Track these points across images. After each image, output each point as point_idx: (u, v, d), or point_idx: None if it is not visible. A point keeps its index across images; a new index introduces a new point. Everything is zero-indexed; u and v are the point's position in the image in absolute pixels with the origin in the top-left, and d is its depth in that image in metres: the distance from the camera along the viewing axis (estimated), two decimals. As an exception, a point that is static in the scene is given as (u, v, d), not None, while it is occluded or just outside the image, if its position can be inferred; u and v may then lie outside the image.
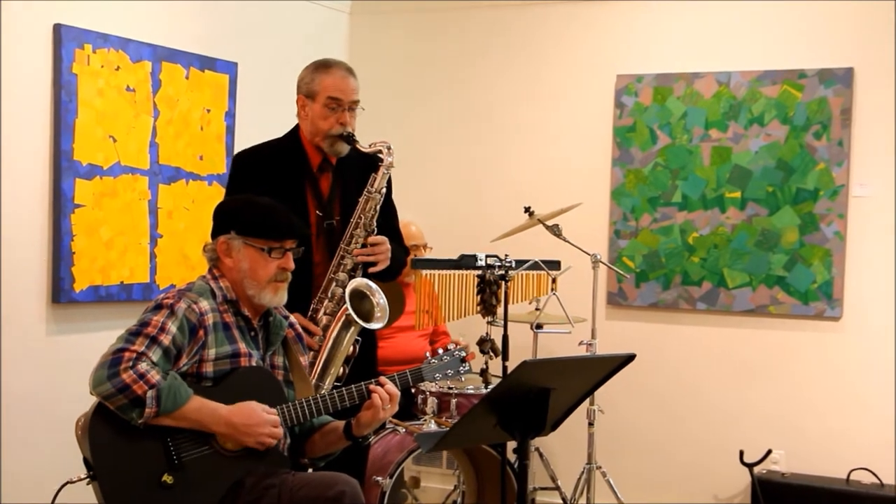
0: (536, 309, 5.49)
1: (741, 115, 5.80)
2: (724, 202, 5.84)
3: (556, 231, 5.21)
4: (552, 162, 6.27)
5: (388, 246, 4.10)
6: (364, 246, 4.05)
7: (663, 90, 5.96)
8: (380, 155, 4.08)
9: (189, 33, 5.46)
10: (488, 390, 5.03)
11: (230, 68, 5.65)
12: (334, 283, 4.03)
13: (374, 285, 3.96)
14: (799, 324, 5.74)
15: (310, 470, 3.63)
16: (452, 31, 6.56)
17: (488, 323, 4.97)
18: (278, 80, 6.08)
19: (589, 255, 5.32)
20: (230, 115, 5.66)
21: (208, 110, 5.53)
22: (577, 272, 5.50)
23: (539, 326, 5.38)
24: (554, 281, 5.25)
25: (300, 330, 3.75)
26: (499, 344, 4.86)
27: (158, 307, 3.37)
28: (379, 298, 3.94)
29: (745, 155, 5.79)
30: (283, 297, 3.56)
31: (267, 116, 5.89)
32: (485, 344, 4.83)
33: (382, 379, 3.56)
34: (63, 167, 4.78)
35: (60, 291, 4.79)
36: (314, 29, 6.45)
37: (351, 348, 3.99)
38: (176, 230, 5.33)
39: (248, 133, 5.68)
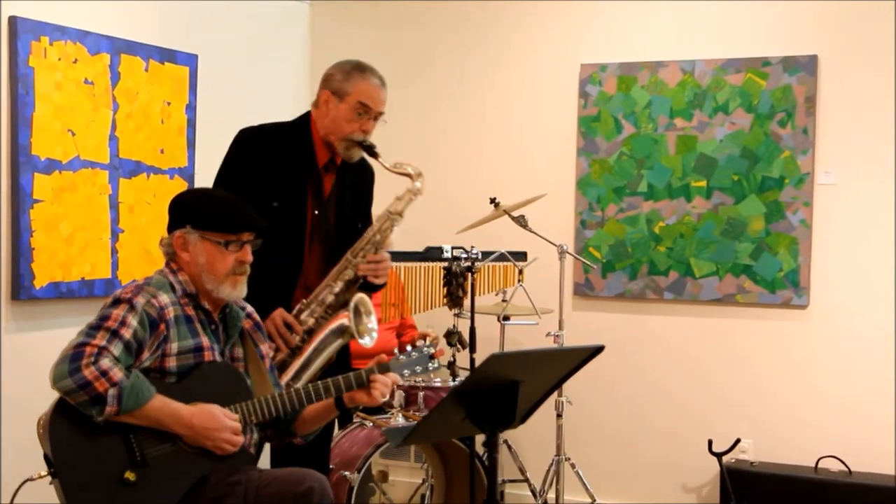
0: (503, 300, 5.46)
1: (706, 103, 5.78)
2: (690, 191, 5.82)
3: (522, 222, 5.19)
4: (517, 152, 6.23)
5: (389, 264, 4.09)
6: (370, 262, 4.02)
7: (627, 79, 5.94)
8: (408, 178, 4.08)
9: (148, 25, 5.38)
10: (456, 384, 5.01)
11: (191, 60, 5.58)
12: (328, 290, 3.97)
13: (373, 312, 3.93)
14: (766, 312, 5.74)
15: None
16: (414, 23, 6.51)
17: (455, 315, 4.94)
18: (240, 72, 6.06)
19: (555, 245, 5.30)
20: (191, 108, 5.59)
21: (168, 103, 5.46)
22: (544, 263, 5.48)
23: (506, 318, 5.35)
24: (521, 272, 5.22)
25: (258, 318, 3.69)
26: (466, 336, 4.82)
27: (117, 301, 3.31)
28: (372, 323, 3.92)
29: (710, 143, 5.78)
30: (242, 290, 3.50)
31: (228, 109, 5.86)
32: (452, 336, 4.81)
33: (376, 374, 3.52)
34: (21, 162, 4.69)
35: (20, 288, 4.71)
36: (275, 20, 6.39)
37: (331, 357, 3.95)
38: (137, 225, 5.25)
39: (209, 126, 5.63)
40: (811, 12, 5.65)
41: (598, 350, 3.21)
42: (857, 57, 5.57)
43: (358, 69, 4.08)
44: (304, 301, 3.99)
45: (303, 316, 3.96)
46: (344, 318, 3.89)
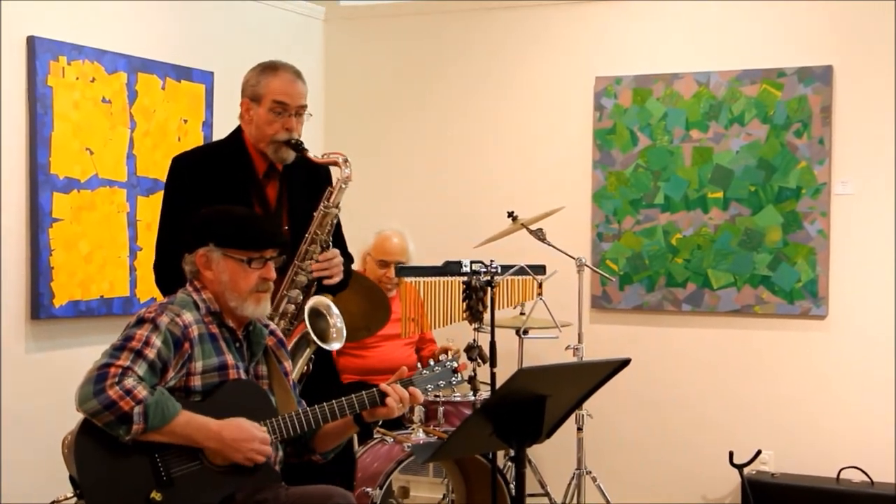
0: (521, 314, 5.45)
1: (721, 114, 5.78)
2: (707, 202, 5.82)
3: (539, 235, 5.17)
4: (533, 166, 6.23)
5: (341, 258, 3.97)
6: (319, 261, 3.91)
7: (643, 91, 5.94)
8: (336, 167, 3.93)
9: (164, 43, 5.40)
10: (477, 398, 5.00)
11: (206, 78, 5.60)
12: (286, 300, 3.89)
13: (333, 307, 3.85)
14: (784, 323, 5.72)
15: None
16: (428, 36, 6.52)
17: (475, 329, 4.93)
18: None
19: (574, 258, 5.29)
20: (207, 125, 5.60)
21: (185, 120, 5.47)
22: (560, 276, 5.45)
23: (525, 332, 5.34)
24: (540, 285, 5.21)
25: (281, 336, 3.67)
26: (486, 350, 4.81)
27: (141, 321, 3.30)
28: (336, 320, 3.85)
29: (727, 155, 5.77)
30: (266, 307, 3.50)
31: (244, 126, 5.86)
32: (472, 351, 4.79)
33: (384, 387, 3.49)
34: (40, 181, 4.71)
35: (40, 307, 4.73)
36: (289, 36, 6.40)
37: (306, 367, 3.90)
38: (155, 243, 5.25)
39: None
40: (826, 23, 5.65)
41: (625, 363, 3.20)
42: (871, 67, 5.56)
43: (269, 68, 3.98)
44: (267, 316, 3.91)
45: None
46: (303, 328, 3.83)
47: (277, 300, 3.87)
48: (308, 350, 3.83)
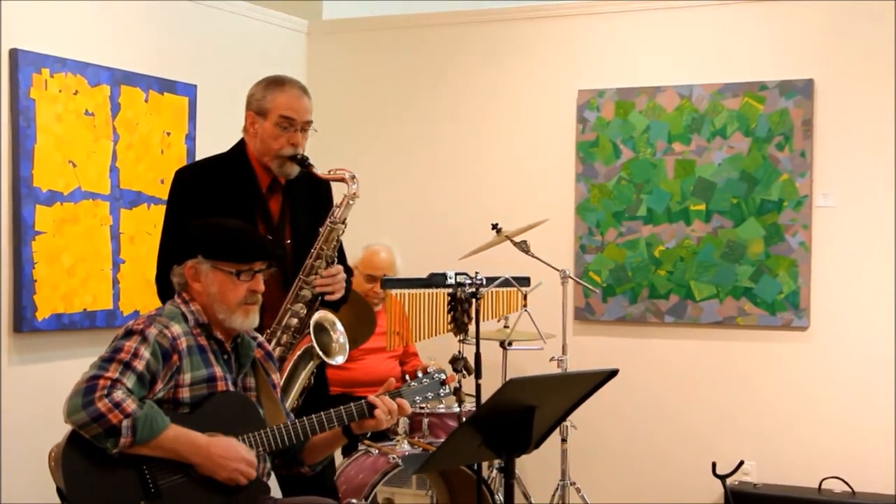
0: (505, 327, 5.46)
1: (704, 127, 5.81)
2: (689, 215, 5.84)
3: (524, 247, 5.18)
4: (517, 178, 6.25)
5: (344, 275, 3.98)
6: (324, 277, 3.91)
7: (625, 104, 5.96)
8: (342, 183, 3.94)
9: (147, 56, 5.39)
10: (462, 409, 5.00)
11: (190, 91, 5.59)
12: (289, 314, 3.89)
13: (337, 322, 3.86)
14: (767, 334, 5.75)
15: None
16: (411, 50, 6.53)
17: (460, 341, 4.93)
18: (238, 102, 6.01)
19: (558, 270, 5.30)
20: (190, 138, 5.60)
21: (168, 133, 5.46)
22: (543, 288, 5.47)
23: (509, 344, 5.34)
24: (525, 297, 5.21)
25: (269, 348, 3.67)
26: (471, 362, 4.81)
27: (129, 333, 3.30)
28: (339, 336, 3.86)
29: (709, 167, 5.80)
30: (254, 320, 3.49)
31: (227, 139, 5.81)
32: (457, 362, 4.77)
33: (373, 399, 3.49)
34: (23, 194, 4.70)
35: (22, 320, 4.71)
36: (272, 49, 6.40)
37: (308, 381, 3.90)
38: (138, 255, 5.24)
39: (208, 156, 5.62)
40: (807, 37, 5.69)
41: (613, 374, 3.21)
42: (853, 80, 5.61)
43: (275, 83, 3.99)
44: (269, 330, 3.89)
45: (271, 345, 3.86)
46: (309, 342, 3.83)
47: (281, 314, 3.89)
48: (311, 364, 3.82)
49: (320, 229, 3.93)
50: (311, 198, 4.03)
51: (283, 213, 4.02)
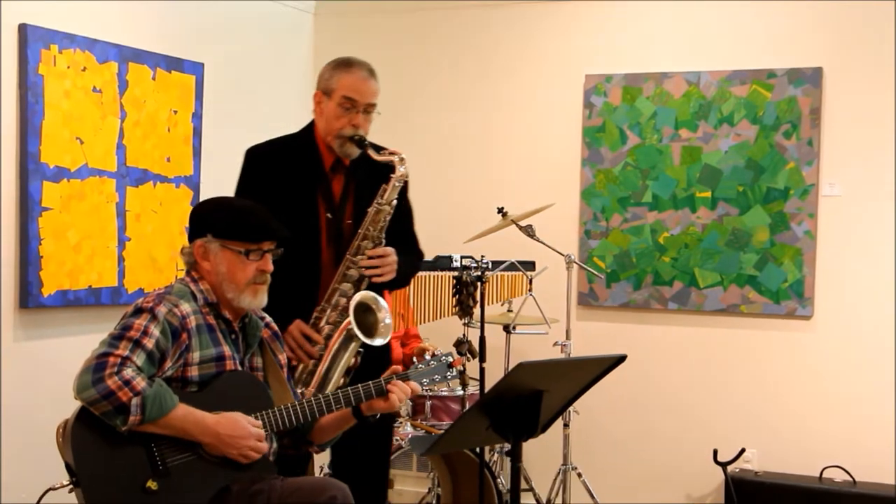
0: (509, 311, 5.47)
1: (711, 114, 5.80)
2: (695, 202, 5.84)
3: (529, 232, 5.19)
4: (523, 162, 6.24)
5: (395, 258, 3.98)
6: (370, 258, 3.93)
7: (632, 90, 5.96)
8: (392, 165, 3.96)
9: (155, 34, 5.38)
10: (466, 392, 5.02)
11: (197, 69, 5.58)
12: (338, 293, 3.93)
13: (381, 301, 3.83)
14: (770, 323, 5.76)
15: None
16: (419, 34, 6.52)
17: (464, 324, 4.94)
18: (245, 81, 6.06)
19: (563, 255, 5.30)
20: (197, 117, 5.58)
21: (175, 111, 5.45)
22: (547, 273, 5.49)
23: (514, 328, 5.35)
24: (530, 281, 5.22)
25: (276, 328, 3.68)
26: (475, 345, 4.82)
27: (139, 311, 3.30)
28: (384, 315, 3.83)
29: (716, 154, 5.79)
30: (262, 299, 3.50)
31: (234, 117, 5.86)
32: (462, 346, 4.80)
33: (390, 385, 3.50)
34: (30, 170, 4.68)
35: (28, 296, 4.70)
36: (280, 29, 6.39)
37: (353, 360, 3.89)
38: (144, 233, 5.24)
39: (215, 134, 5.63)
40: (816, 25, 5.68)
41: (621, 359, 3.22)
42: (861, 69, 5.60)
43: (343, 64, 4.05)
44: (319, 307, 3.94)
45: (321, 323, 3.92)
46: (349, 323, 3.83)
47: (329, 292, 3.93)
48: (354, 344, 3.81)
49: (368, 210, 3.95)
50: (376, 181, 4.03)
51: (346, 193, 4.07)
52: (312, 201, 4.01)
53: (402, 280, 4.10)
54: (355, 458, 3.99)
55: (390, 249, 3.97)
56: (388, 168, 3.99)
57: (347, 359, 3.83)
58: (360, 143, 3.96)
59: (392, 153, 3.97)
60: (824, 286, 5.66)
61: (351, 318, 3.76)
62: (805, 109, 5.64)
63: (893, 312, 5.54)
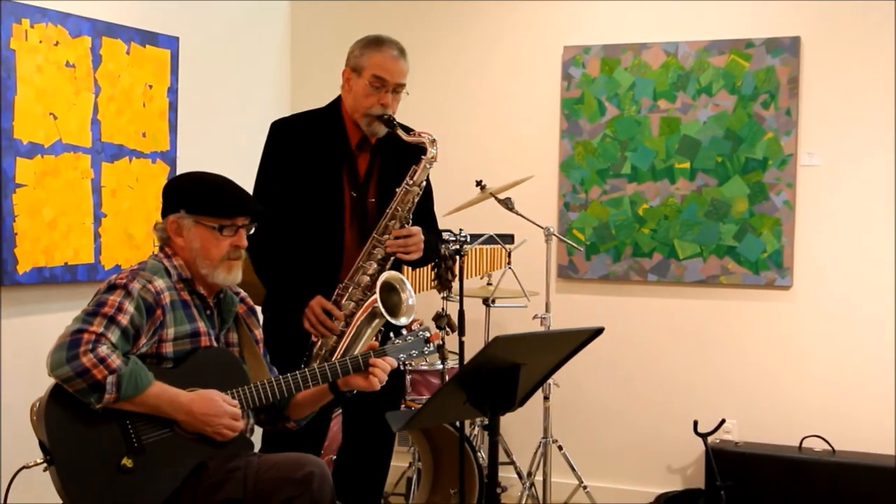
0: (488, 284, 5.45)
1: (689, 85, 5.78)
2: (674, 173, 5.83)
3: (508, 205, 5.16)
4: (501, 135, 6.21)
5: (421, 237, 4.00)
6: (397, 237, 3.93)
7: (611, 61, 5.93)
8: (423, 146, 3.96)
9: (129, 7, 5.31)
10: (445, 366, 5.00)
11: (172, 43, 5.52)
12: (362, 272, 3.93)
13: (406, 282, 3.85)
14: (750, 293, 5.76)
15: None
16: (396, 7, 6.46)
17: (443, 298, 4.92)
18: (221, 56, 6.00)
19: (542, 228, 5.29)
20: (172, 91, 5.53)
21: (150, 86, 5.40)
22: (526, 246, 5.48)
23: (493, 301, 5.34)
24: (509, 255, 5.21)
25: (251, 303, 3.68)
26: (454, 319, 4.81)
27: (112, 287, 3.27)
28: (408, 296, 3.83)
29: (694, 125, 5.78)
30: (237, 275, 3.48)
31: (210, 92, 5.81)
32: (441, 320, 4.78)
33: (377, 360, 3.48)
34: (3, 146, 4.63)
35: (3, 273, 4.65)
36: (256, 6, 6.32)
37: (374, 339, 3.89)
38: (120, 209, 5.20)
39: (190, 109, 5.58)
40: (794, -6, 5.67)
41: (598, 332, 3.20)
42: (839, 38, 5.58)
43: (374, 42, 4.08)
44: (342, 285, 3.95)
45: (343, 300, 3.92)
46: (374, 301, 3.83)
47: (353, 270, 3.94)
48: (377, 321, 3.80)
49: (396, 189, 3.95)
50: (402, 160, 4.03)
51: (371, 171, 4.08)
52: (337, 178, 4.01)
53: (425, 259, 4.13)
54: (364, 441, 4.05)
55: (416, 229, 3.99)
56: (411, 148, 3.99)
57: (369, 336, 3.83)
58: (389, 122, 3.98)
59: (422, 134, 3.98)
60: (803, 256, 5.66)
61: (377, 295, 3.75)
62: (783, 79, 5.62)
63: (874, 281, 5.54)
